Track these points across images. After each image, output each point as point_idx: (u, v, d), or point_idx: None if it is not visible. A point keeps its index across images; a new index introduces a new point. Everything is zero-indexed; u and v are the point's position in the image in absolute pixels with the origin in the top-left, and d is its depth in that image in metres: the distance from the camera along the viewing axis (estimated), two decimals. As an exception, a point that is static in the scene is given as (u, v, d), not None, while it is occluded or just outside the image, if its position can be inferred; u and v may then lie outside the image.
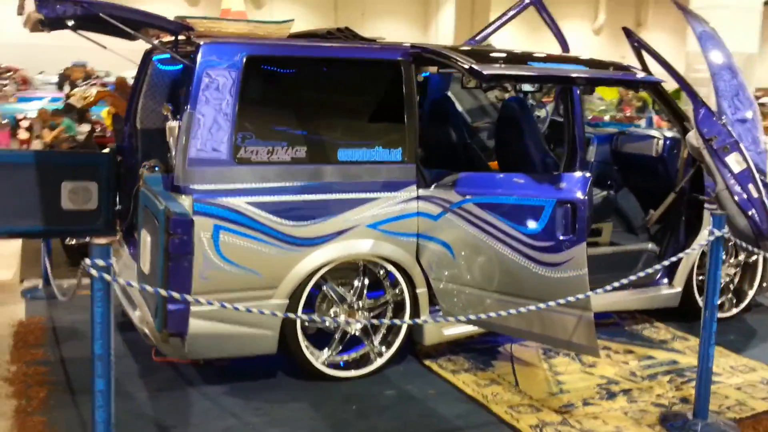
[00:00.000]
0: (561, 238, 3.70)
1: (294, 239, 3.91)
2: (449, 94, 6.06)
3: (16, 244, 6.63)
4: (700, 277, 5.25)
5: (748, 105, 5.65)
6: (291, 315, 3.48)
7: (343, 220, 4.02)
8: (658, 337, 5.07)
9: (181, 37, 4.03)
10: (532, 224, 3.80)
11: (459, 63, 3.88)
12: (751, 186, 4.25)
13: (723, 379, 4.40)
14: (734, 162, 4.28)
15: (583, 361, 4.59)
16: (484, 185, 4.08)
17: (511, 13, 6.26)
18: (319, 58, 4.09)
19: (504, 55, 4.18)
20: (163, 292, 2.96)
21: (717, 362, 4.58)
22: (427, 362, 4.47)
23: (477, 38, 6.15)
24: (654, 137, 5.58)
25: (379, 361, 4.26)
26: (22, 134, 12.73)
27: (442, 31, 28.00)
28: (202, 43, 3.79)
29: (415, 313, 4.30)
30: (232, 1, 4.25)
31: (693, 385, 4.17)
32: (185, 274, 3.49)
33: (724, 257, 5.29)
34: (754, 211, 4.27)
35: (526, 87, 6.05)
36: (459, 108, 5.84)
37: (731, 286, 5.49)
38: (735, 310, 5.51)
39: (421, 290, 4.29)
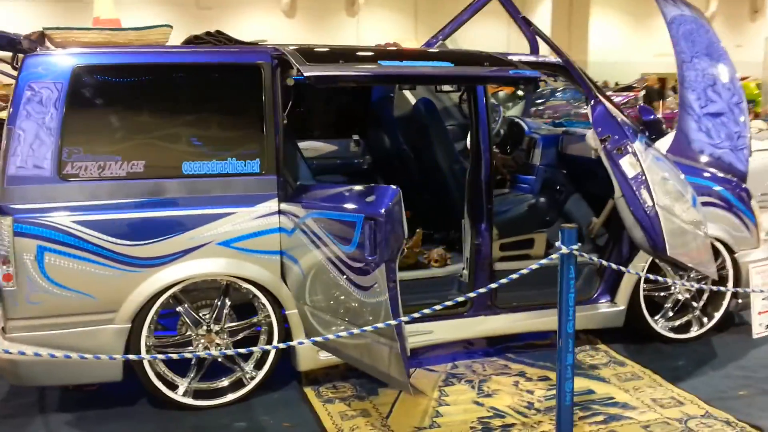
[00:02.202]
0: (368, 258, 3.27)
1: (132, 259, 3.67)
2: (391, 96, 5.66)
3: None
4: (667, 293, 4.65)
5: (727, 97, 4.98)
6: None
7: (189, 238, 3.74)
8: (590, 362, 4.50)
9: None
10: (347, 242, 3.39)
11: (295, 65, 3.54)
12: (644, 192, 3.65)
13: (635, 414, 3.81)
14: (628, 165, 3.69)
15: (483, 389, 4.11)
16: (320, 198, 3.71)
17: (475, 6, 5.82)
18: (161, 65, 3.82)
19: (355, 54, 3.79)
20: None
21: (641, 393, 4.04)
22: (307, 389, 4.13)
23: (441, 35, 5.75)
24: None
25: (247, 388, 3.96)
26: None
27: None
28: (25, 56, 3.62)
29: (289, 336, 3.97)
30: (102, 8, 4.13)
31: (592, 420, 3.66)
32: None
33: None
34: (648, 221, 3.67)
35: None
36: (394, 112, 5.43)
37: (695, 303, 4.81)
38: (698, 331, 4.83)
39: (292, 312, 3.96)
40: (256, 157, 3.86)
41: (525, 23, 5.54)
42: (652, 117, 4.43)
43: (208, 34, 4.23)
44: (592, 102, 3.94)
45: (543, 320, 4.50)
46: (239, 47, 4.05)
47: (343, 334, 3.39)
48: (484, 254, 4.34)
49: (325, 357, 4.04)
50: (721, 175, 4.85)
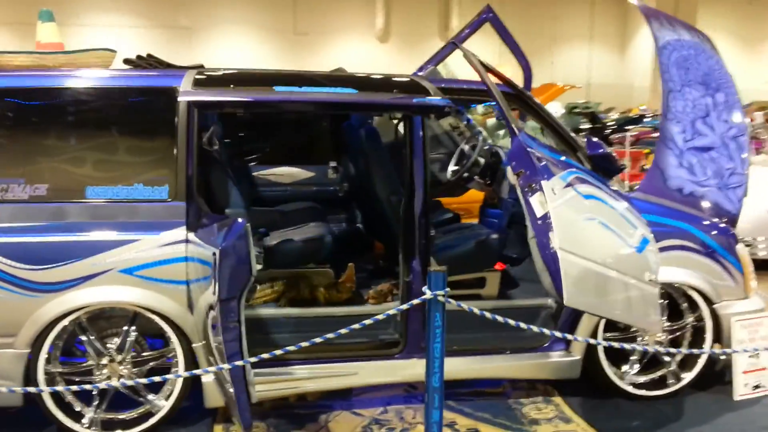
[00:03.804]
0: (213, 295, 3.07)
1: (30, 284, 3.63)
2: (368, 121, 5.46)
3: None
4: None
5: (722, 130, 4.52)
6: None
7: (91, 264, 3.67)
8: (534, 415, 4.10)
9: None
10: (205, 278, 3.20)
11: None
12: (551, 235, 3.27)
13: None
14: (537, 204, 3.33)
15: (401, 439, 3.82)
16: (206, 228, 3.55)
17: (467, 31, 5.61)
18: (67, 88, 3.79)
19: (257, 78, 3.63)
20: None
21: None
22: (218, 426, 3.96)
23: (433, 61, 5.56)
24: None
25: (150, 421, 3.83)
26: None
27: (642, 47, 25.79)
28: None
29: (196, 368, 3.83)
30: (43, 33, 4.14)
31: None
32: None
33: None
34: (553, 265, 3.27)
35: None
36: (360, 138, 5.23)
37: (667, 357, 4.32)
38: (673, 388, 4.33)
39: (197, 345, 3.81)
40: (164, 183, 3.76)
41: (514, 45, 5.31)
42: (600, 151, 4.02)
43: (139, 57, 4.19)
44: (511, 135, 3.60)
45: (486, 366, 4.16)
46: (158, 71, 3.98)
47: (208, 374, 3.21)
48: (416, 292, 4.04)
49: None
50: (701, 216, 4.36)
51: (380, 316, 3.09)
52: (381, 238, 4.97)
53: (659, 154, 4.49)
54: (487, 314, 3.23)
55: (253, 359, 2.98)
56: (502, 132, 6.26)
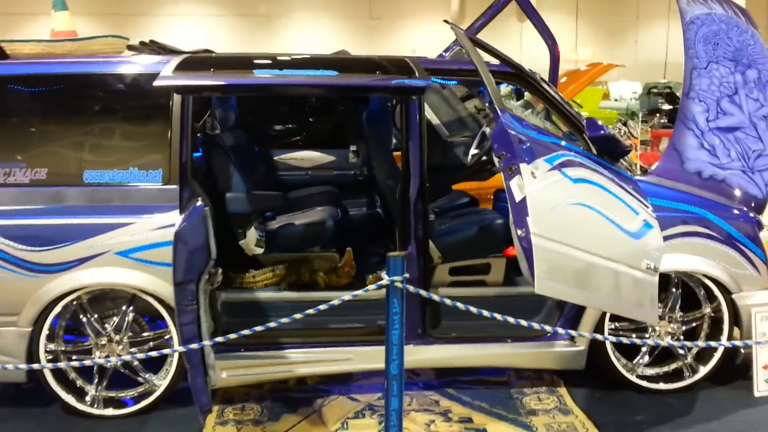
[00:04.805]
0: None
1: (31, 265, 3.76)
2: (387, 105, 5.40)
3: None
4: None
5: (752, 108, 4.27)
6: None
7: (87, 246, 3.77)
8: (533, 406, 3.97)
9: None
10: None
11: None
12: (528, 220, 3.13)
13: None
14: (516, 188, 3.19)
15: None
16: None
17: (489, 12, 5.52)
18: (65, 75, 3.89)
19: (238, 62, 3.62)
20: None
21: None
22: (215, 407, 4.01)
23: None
24: None
25: (149, 399, 3.93)
26: None
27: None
28: None
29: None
30: (57, 22, 4.24)
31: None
32: None
33: (663, 310, 4.04)
34: (530, 251, 3.13)
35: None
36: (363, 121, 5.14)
37: (682, 351, 4.10)
38: (688, 381, 4.12)
39: (191, 326, 3.86)
40: (158, 167, 3.83)
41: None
42: (600, 133, 3.81)
43: (142, 44, 4.26)
44: (495, 116, 3.46)
45: (484, 353, 4.07)
46: (152, 56, 4.04)
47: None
48: (412, 278, 3.95)
49: (227, 376, 3.92)
50: (721, 201, 4.10)
51: (336, 302, 3.04)
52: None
53: (677, 134, 4.24)
54: (459, 305, 3.12)
55: (208, 342, 3.00)
56: (529, 112, 6.05)
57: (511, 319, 3.26)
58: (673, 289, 4.10)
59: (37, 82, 3.89)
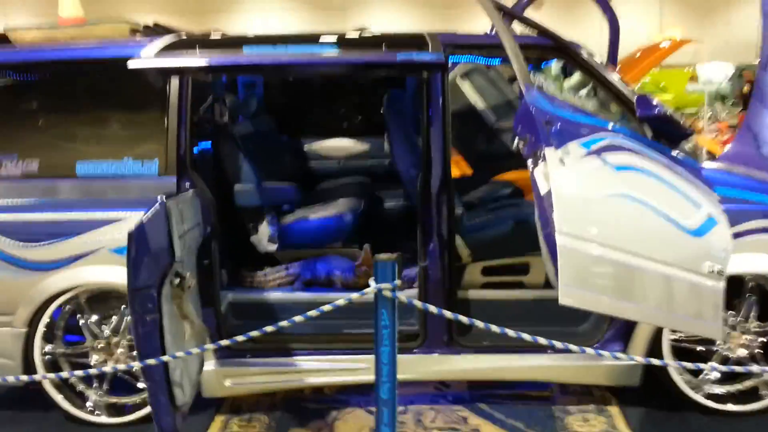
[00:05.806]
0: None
1: (24, 262, 3.51)
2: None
3: None
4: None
5: None
6: None
7: (81, 243, 3.48)
8: (577, 428, 3.45)
9: None
10: None
11: None
12: (554, 216, 2.60)
13: None
14: (542, 178, 2.67)
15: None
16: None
17: None
18: (57, 61, 3.61)
19: (231, 41, 3.24)
20: None
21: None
22: (219, 417, 3.67)
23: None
24: None
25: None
26: None
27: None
28: None
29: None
30: (66, 8, 3.98)
31: None
32: None
33: (735, 319, 3.47)
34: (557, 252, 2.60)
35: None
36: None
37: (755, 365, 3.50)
38: (766, 402, 3.51)
39: (191, 328, 3.53)
40: (154, 158, 3.50)
41: None
42: (653, 112, 3.22)
43: (146, 28, 3.95)
44: (522, 94, 2.94)
45: (523, 366, 3.57)
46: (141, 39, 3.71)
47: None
48: (434, 279, 3.51)
49: (232, 384, 3.57)
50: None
51: (327, 307, 2.60)
52: None
53: (753, 113, 3.61)
54: (463, 319, 2.62)
55: (166, 358, 2.62)
56: (584, 92, 5.43)
57: (542, 340, 2.74)
58: (748, 295, 3.50)
59: (27, 69, 3.63)
